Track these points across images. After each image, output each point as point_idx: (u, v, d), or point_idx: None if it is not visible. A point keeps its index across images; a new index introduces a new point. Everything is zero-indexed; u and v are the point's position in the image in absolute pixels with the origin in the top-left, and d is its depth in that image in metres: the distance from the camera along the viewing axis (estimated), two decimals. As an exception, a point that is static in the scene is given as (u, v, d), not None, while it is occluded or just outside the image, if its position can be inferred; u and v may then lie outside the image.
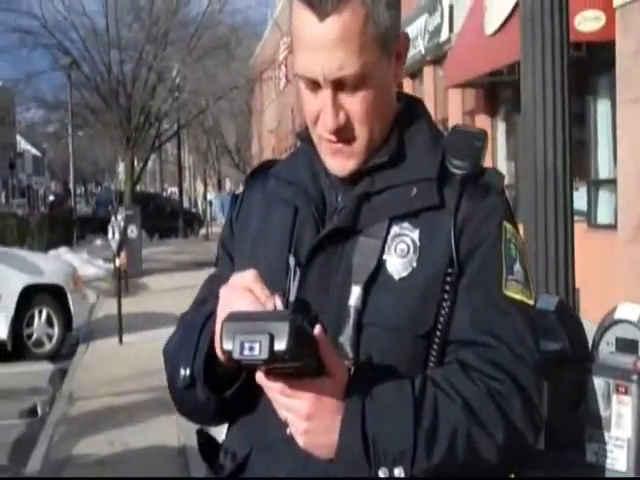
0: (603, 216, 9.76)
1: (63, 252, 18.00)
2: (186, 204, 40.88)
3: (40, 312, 9.63)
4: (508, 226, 1.31)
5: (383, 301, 1.27)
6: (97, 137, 31.93)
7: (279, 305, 1.20)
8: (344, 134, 1.29)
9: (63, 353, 9.74)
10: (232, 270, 1.40)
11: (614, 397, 1.65)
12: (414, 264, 1.28)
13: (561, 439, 1.74)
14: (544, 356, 1.78)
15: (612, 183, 9.35)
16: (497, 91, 12.94)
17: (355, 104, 1.28)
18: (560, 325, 1.78)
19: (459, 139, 1.34)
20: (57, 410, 7.30)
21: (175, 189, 46.49)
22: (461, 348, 1.26)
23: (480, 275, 1.28)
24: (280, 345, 1.09)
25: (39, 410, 7.85)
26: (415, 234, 1.29)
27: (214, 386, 1.30)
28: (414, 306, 1.27)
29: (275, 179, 1.42)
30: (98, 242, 23.00)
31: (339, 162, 1.32)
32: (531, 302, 1.31)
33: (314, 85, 1.28)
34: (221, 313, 1.22)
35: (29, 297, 9.45)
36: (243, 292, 1.22)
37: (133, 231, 15.86)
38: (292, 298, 1.29)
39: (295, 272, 1.32)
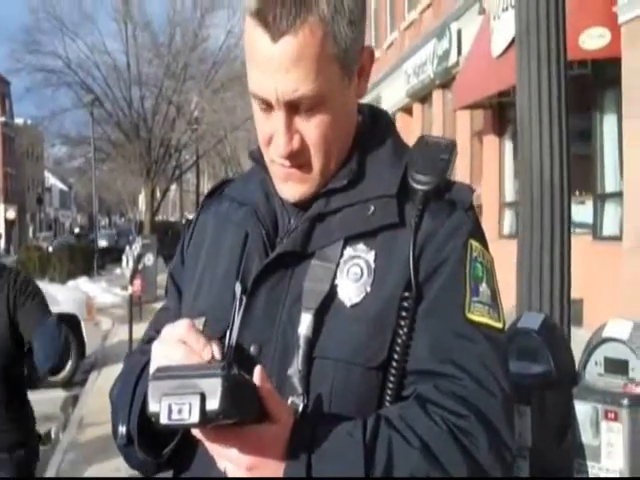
0: (608, 228, 9.55)
1: (82, 282, 17.87)
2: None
3: (55, 341, 9.46)
4: (475, 244, 1.16)
5: (333, 331, 1.13)
6: (119, 170, 32.14)
7: (217, 353, 1.08)
8: (298, 159, 1.16)
9: (77, 380, 9.59)
10: (179, 304, 1.29)
11: (603, 424, 1.41)
12: (368, 289, 1.14)
13: (548, 471, 1.51)
14: (526, 380, 1.59)
15: (618, 196, 9.17)
16: (505, 112, 12.76)
17: (311, 128, 1.14)
18: (544, 345, 1.56)
19: (425, 152, 1.20)
20: (67, 436, 7.14)
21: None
22: (420, 380, 1.11)
23: (441, 298, 1.13)
24: (212, 405, 0.96)
25: (51, 437, 7.65)
26: (370, 256, 1.15)
27: (153, 441, 1.17)
28: (366, 336, 1.12)
29: (228, 200, 1.30)
30: (117, 271, 22.85)
31: (291, 187, 1.18)
32: (499, 325, 1.15)
33: (267, 106, 1.14)
34: (152, 370, 1.08)
35: (44, 326, 9.29)
36: (177, 345, 1.08)
37: (150, 259, 15.80)
38: (236, 327, 1.16)
39: (241, 300, 1.18)
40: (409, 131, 17.36)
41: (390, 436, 1.05)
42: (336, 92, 1.13)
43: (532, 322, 1.64)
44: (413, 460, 1.04)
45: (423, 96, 16.89)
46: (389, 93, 18.83)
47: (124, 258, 10.26)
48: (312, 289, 1.14)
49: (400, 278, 1.13)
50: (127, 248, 11.48)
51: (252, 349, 1.15)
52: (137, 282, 10.00)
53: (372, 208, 1.16)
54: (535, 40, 3.11)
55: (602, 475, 1.42)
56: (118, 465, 5.93)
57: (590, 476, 1.43)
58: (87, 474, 5.97)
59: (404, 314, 1.12)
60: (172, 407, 0.96)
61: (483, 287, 1.15)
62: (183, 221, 48.26)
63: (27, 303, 2.92)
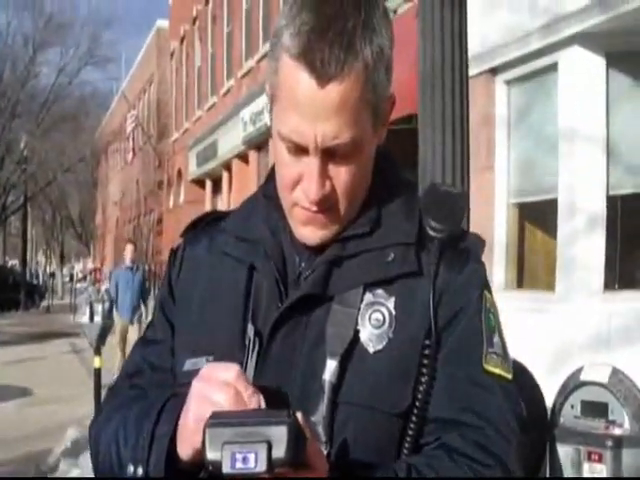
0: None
1: None
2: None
3: None
4: (488, 295, 1.16)
5: (357, 377, 1.09)
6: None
7: (262, 403, 1.01)
8: (325, 203, 1.11)
9: None
10: (171, 336, 1.23)
11: (585, 465, 1.43)
12: (390, 335, 1.10)
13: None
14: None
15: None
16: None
17: (342, 174, 1.10)
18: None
19: (438, 200, 1.19)
20: None
21: (16, 261, 44.41)
22: (442, 428, 1.09)
23: (460, 348, 1.12)
24: (279, 453, 0.90)
25: None
26: (390, 302, 1.12)
27: None
28: (390, 383, 1.09)
29: (226, 235, 1.22)
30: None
31: (311, 230, 1.14)
32: (510, 376, 1.16)
33: (299, 150, 1.09)
34: (196, 409, 1.01)
35: None
36: (223, 387, 1.01)
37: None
38: (250, 372, 1.10)
39: (254, 343, 1.12)
40: (245, 178, 17.40)
41: None
42: (368, 140, 1.11)
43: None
44: None
45: (259, 144, 17.03)
46: (225, 139, 18.83)
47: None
48: (336, 334, 1.10)
49: (420, 326, 1.11)
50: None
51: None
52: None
53: (392, 255, 1.13)
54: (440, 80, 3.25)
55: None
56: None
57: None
58: None
59: (426, 362, 1.10)
60: (236, 455, 0.90)
61: (496, 338, 1.15)
62: (10, 264, 45.25)
63: None
